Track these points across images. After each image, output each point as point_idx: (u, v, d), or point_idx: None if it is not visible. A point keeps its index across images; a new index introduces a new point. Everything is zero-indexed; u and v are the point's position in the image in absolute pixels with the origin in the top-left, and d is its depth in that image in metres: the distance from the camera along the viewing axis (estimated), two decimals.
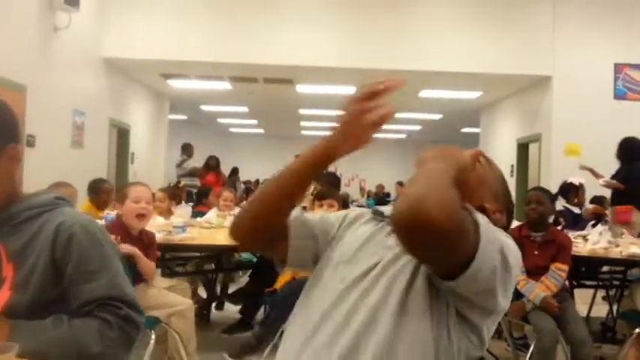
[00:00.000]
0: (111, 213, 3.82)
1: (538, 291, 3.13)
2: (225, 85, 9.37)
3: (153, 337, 2.71)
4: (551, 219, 3.70)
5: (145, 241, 2.97)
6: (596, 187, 5.85)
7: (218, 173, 9.51)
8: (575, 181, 5.32)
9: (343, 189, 10.56)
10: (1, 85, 4.97)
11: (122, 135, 8.69)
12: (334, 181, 4.86)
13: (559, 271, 3.11)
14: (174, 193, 5.72)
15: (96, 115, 7.40)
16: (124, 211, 2.92)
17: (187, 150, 9.41)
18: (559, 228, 4.43)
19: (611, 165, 6.96)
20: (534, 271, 3.19)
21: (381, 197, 10.62)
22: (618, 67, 7.55)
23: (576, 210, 5.28)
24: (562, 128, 7.52)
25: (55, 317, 1.23)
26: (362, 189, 15.13)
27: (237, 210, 5.12)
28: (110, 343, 1.22)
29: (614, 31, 7.55)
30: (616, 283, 4.21)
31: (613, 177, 5.65)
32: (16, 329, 1.18)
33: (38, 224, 1.30)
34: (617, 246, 3.82)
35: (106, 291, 1.27)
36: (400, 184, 11.75)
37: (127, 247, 2.73)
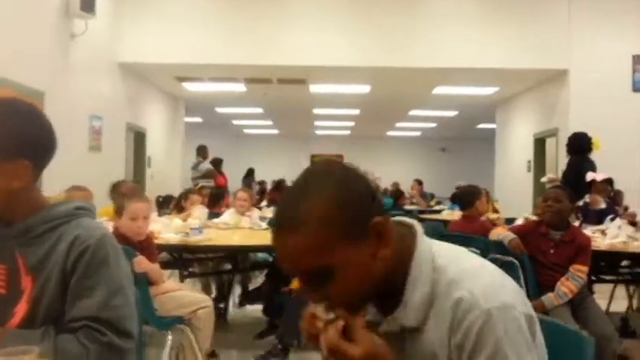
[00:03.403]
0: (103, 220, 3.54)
1: (506, 233, 3.36)
2: (239, 87, 9.42)
3: (169, 337, 2.74)
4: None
5: (143, 244, 2.96)
6: (616, 181, 5.79)
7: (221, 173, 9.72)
8: (588, 177, 5.30)
9: None
10: (21, 91, 5.06)
11: (139, 139, 8.78)
12: None
13: (579, 272, 3.08)
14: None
15: (113, 119, 7.50)
16: (121, 225, 2.92)
17: (202, 152, 9.48)
18: (577, 223, 4.40)
19: (629, 158, 6.88)
20: (551, 267, 3.17)
21: (398, 196, 10.55)
22: (636, 59, 7.44)
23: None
24: (579, 122, 7.41)
25: (44, 331, 1.24)
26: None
27: (253, 210, 5.17)
28: None
29: (632, 23, 7.44)
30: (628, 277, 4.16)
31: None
32: (6, 337, 1.19)
33: (56, 237, 1.30)
34: (636, 240, 3.78)
35: (95, 311, 1.25)
36: (419, 182, 11.65)
37: (141, 265, 2.73)
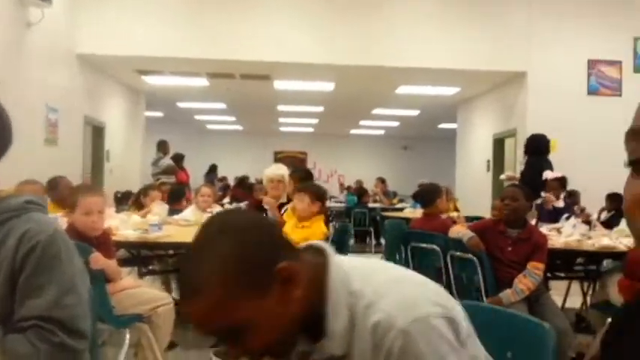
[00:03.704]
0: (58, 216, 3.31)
1: (465, 231, 3.39)
2: (201, 82, 9.28)
3: (127, 336, 2.68)
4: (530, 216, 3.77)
5: (99, 240, 2.85)
6: (572, 182, 5.96)
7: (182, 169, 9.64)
8: (544, 175, 5.45)
9: (322, 185, 10.55)
10: None
11: (97, 132, 8.56)
12: (306, 177, 4.76)
13: (536, 270, 3.15)
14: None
15: (70, 112, 7.27)
16: (75, 221, 2.78)
17: (163, 147, 9.30)
18: (534, 221, 4.51)
19: (584, 159, 7.11)
20: (508, 264, 3.24)
21: (361, 194, 10.67)
22: (591, 63, 7.68)
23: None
24: (537, 123, 7.60)
25: None
26: (341, 185, 15.15)
27: (215, 207, 5.10)
28: None
29: (588, 28, 7.67)
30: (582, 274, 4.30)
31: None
32: None
33: (4, 231, 1.24)
34: (590, 238, 3.90)
35: (45, 310, 1.21)
36: (382, 180, 11.78)
37: (99, 263, 2.65)
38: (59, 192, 4.08)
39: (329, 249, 1.04)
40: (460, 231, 3.48)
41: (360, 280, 0.99)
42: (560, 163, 6.10)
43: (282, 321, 0.95)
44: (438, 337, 0.93)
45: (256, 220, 1.01)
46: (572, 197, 6.02)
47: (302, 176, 4.62)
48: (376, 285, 0.98)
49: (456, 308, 1.01)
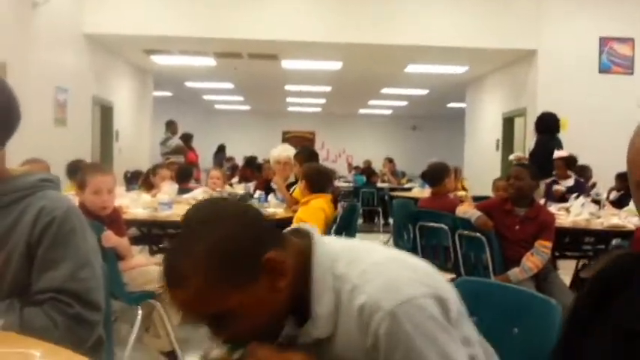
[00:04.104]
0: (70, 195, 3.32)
1: (472, 210, 3.39)
2: (209, 61, 9.25)
3: (140, 312, 2.72)
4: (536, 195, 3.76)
5: (111, 217, 2.86)
6: (582, 161, 5.93)
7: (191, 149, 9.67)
8: (555, 154, 5.42)
9: (330, 165, 10.56)
10: None
11: (106, 112, 8.58)
12: (310, 157, 4.61)
13: (543, 248, 3.17)
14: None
15: (79, 92, 7.29)
16: (85, 200, 2.77)
17: (171, 127, 9.32)
18: (542, 201, 4.50)
19: (595, 138, 7.05)
20: (516, 243, 3.25)
21: (370, 174, 10.66)
22: (603, 41, 7.56)
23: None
24: (547, 102, 7.52)
25: (9, 303, 1.22)
26: (349, 165, 15.14)
27: (226, 188, 5.12)
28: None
29: (599, 5, 7.54)
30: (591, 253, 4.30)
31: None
32: None
33: (21, 208, 1.28)
34: (599, 217, 3.89)
35: (62, 283, 1.24)
36: (390, 160, 11.75)
37: (111, 240, 2.68)
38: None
39: (314, 233, 1.04)
40: (467, 211, 3.49)
41: (346, 263, 0.99)
42: (570, 142, 6.05)
43: (269, 308, 0.96)
44: (425, 317, 0.92)
45: (240, 210, 1.00)
46: (584, 173, 5.96)
47: (306, 157, 4.54)
48: (362, 268, 0.98)
49: (445, 287, 1.00)
